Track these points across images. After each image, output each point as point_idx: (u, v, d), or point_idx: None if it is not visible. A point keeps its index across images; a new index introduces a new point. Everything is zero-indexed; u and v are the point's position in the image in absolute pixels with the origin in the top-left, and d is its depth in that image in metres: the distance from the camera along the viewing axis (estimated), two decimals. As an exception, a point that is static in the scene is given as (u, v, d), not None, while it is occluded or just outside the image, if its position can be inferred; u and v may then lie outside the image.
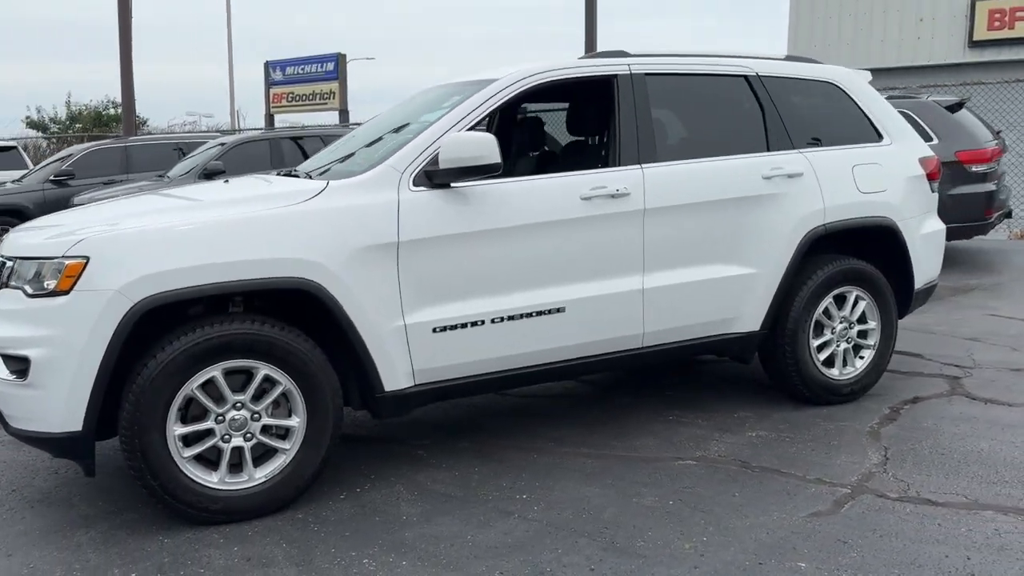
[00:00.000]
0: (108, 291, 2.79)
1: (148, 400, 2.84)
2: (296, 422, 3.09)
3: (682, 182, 3.74)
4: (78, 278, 2.81)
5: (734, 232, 3.85)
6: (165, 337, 2.90)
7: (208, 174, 9.73)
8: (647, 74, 3.84)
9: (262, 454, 3.08)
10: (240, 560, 2.76)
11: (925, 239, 4.43)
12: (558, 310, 3.50)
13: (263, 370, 3.00)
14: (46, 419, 2.84)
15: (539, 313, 3.46)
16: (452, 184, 3.32)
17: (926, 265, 4.47)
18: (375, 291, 3.15)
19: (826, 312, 4.14)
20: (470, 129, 3.43)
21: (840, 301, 4.18)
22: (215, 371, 2.94)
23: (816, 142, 4.16)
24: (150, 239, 2.91)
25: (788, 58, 4.40)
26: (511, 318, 3.41)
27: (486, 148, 3.21)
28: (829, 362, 4.20)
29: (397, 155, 3.32)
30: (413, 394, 3.31)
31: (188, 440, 2.96)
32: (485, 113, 3.51)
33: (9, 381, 2.87)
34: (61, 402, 2.81)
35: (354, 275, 3.10)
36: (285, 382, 3.04)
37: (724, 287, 3.86)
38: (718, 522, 2.96)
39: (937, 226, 4.57)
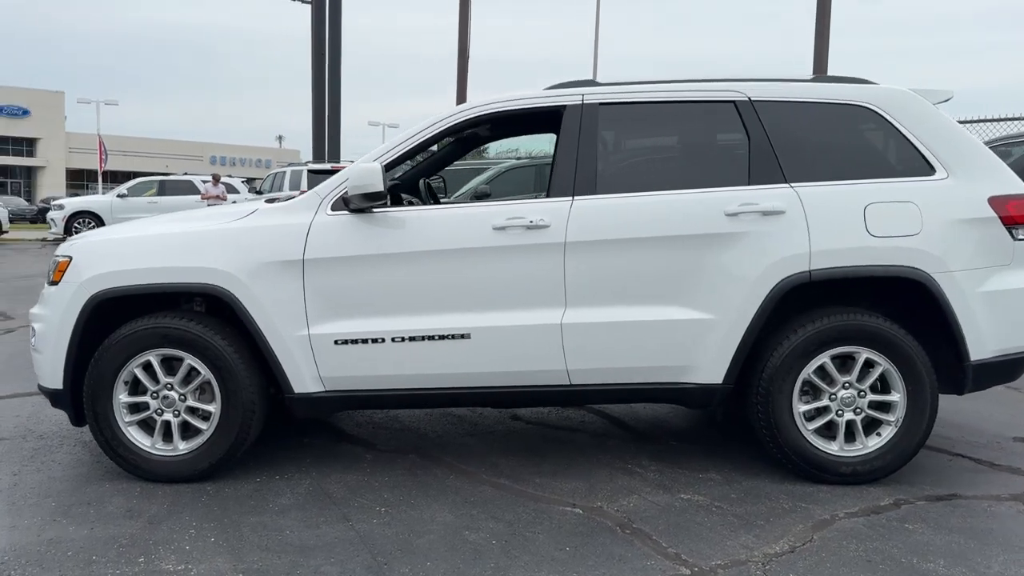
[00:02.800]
0: (75, 284, 3.60)
1: (101, 372, 3.60)
2: (214, 408, 3.63)
3: (616, 216, 3.53)
4: (64, 273, 3.67)
5: (684, 273, 3.52)
6: (119, 326, 3.64)
7: (477, 196, 10.72)
8: (601, 104, 3.69)
9: (191, 431, 3.68)
10: (127, 498, 3.35)
11: (993, 298, 3.53)
12: (463, 336, 3.56)
13: (188, 360, 3.60)
14: (43, 376, 3.75)
15: (442, 337, 3.56)
16: (374, 210, 3.60)
17: (998, 330, 3.55)
18: (282, 301, 3.55)
19: (822, 373, 3.55)
20: (395, 160, 3.68)
21: (847, 362, 3.55)
22: (151, 356, 3.60)
23: (828, 174, 3.59)
24: (107, 247, 3.68)
25: (816, 79, 3.81)
26: (412, 339, 3.57)
27: (372, 177, 3.44)
28: (827, 433, 3.59)
29: (326, 183, 3.69)
30: (322, 399, 3.65)
31: (132, 409, 3.67)
32: (414, 144, 3.70)
33: (32, 346, 3.85)
34: (50, 364, 3.68)
35: (262, 286, 3.54)
36: (205, 372, 3.60)
37: (669, 331, 3.54)
38: (505, 571, 2.83)
39: (1022, 282, 3.59)
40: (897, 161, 3.62)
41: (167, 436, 3.67)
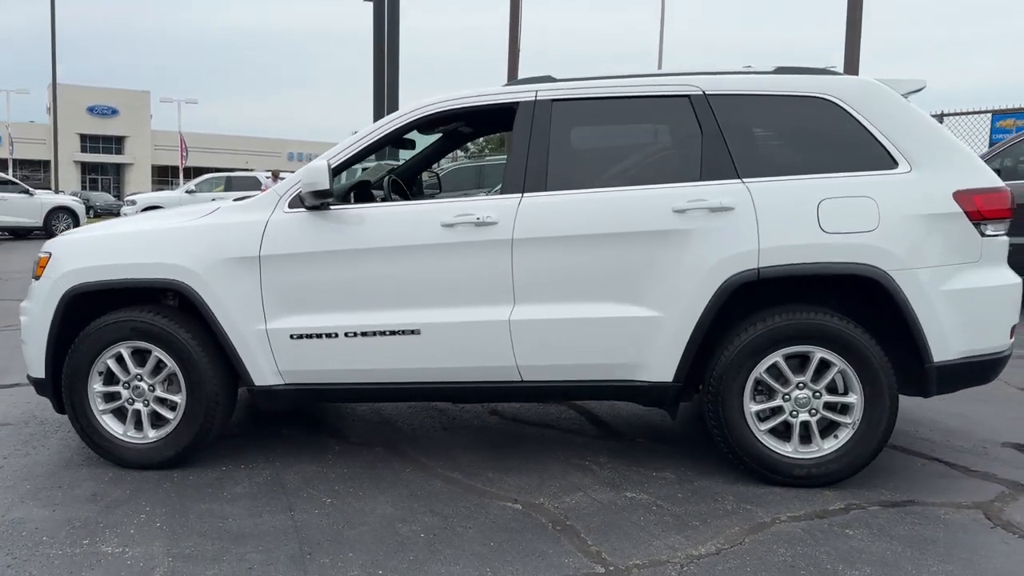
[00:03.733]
0: (53, 279, 3.80)
1: (76, 363, 3.78)
2: (180, 399, 3.78)
3: (563, 213, 3.52)
4: (44, 268, 3.88)
5: (631, 270, 3.48)
6: (92, 319, 3.83)
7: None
8: (554, 100, 3.67)
9: (160, 420, 3.84)
10: (97, 483, 3.53)
11: (958, 297, 3.38)
12: (413, 331, 3.61)
13: (155, 352, 3.76)
14: (29, 366, 3.96)
15: (392, 333, 3.62)
16: (331, 207, 3.68)
17: (963, 331, 3.41)
18: (240, 297, 3.67)
19: (775, 372, 3.47)
20: (351, 157, 3.75)
21: (802, 362, 3.46)
22: (123, 348, 3.78)
23: (784, 169, 3.49)
24: (82, 245, 3.86)
25: (779, 70, 3.70)
26: (364, 334, 3.64)
27: (319, 175, 3.52)
28: (781, 434, 3.51)
29: (284, 182, 3.79)
30: (281, 392, 3.76)
31: (106, 398, 3.85)
32: (370, 143, 3.76)
33: (22, 339, 4.08)
34: (33, 354, 3.90)
35: (221, 281, 3.66)
36: (171, 364, 3.75)
37: (617, 328, 3.52)
38: (422, 564, 2.88)
39: (991, 280, 3.43)
40: (858, 155, 3.50)
41: (138, 425, 3.84)
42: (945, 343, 3.39)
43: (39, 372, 3.89)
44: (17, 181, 21.61)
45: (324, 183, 3.51)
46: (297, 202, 3.70)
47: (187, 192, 22.48)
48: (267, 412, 4.65)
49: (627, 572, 2.80)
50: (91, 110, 62.88)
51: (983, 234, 3.41)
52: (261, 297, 3.68)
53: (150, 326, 3.73)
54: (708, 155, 3.53)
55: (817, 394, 3.46)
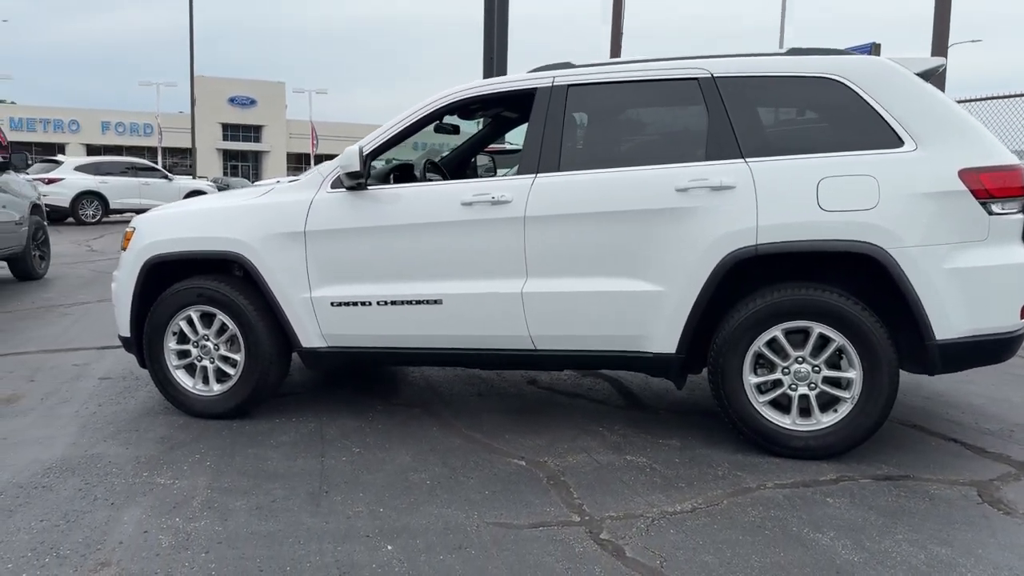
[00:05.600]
0: (136, 250, 4.37)
1: (155, 323, 4.33)
2: (239, 357, 4.27)
3: (573, 192, 3.75)
4: (129, 241, 4.46)
5: (636, 246, 3.67)
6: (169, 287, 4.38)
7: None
8: (570, 86, 3.89)
9: (224, 376, 4.35)
10: (169, 428, 4.08)
11: (964, 275, 3.39)
12: (436, 301, 3.94)
13: (219, 316, 4.26)
14: (119, 326, 4.56)
15: (418, 302, 3.97)
16: (369, 187, 4.07)
17: (968, 310, 3.41)
18: (289, 268, 4.11)
19: (775, 346, 3.58)
20: (385, 142, 4.11)
21: (801, 337, 3.56)
22: (192, 311, 4.30)
23: (789, 149, 3.58)
24: (160, 220, 4.41)
25: (790, 51, 3.77)
26: (394, 303, 4.00)
27: (352, 158, 3.89)
28: (781, 406, 3.63)
29: (328, 164, 4.19)
30: (325, 353, 4.18)
31: (179, 355, 4.38)
32: (400, 129, 4.10)
33: (112, 303, 4.68)
34: (121, 316, 4.50)
35: (272, 254, 4.11)
36: (232, 327, 4.24)
37: (623, 302, 3.72)
38: (419, 506, 3.21)
39: (999, 259, 3.41)
40: (862, 134, 3.54)
41: (205, 379, 4.37)
42: (948, 321, 3.40)
43: (126, 331, 4.48)
44: (158, 167, 23.53)
45: (355, 165, 3.89)
46: (338, 183, 4.10)
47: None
48: (328, 374, 5.12)
49: (600, 523, 3.04)
50: (232, 100, 66.94)
51: (991, 212, 3.39)
52: (306, 268, 4.11)
53: (214, 292, 4.24)
54: (713, 136, 3.66)
55: (817, 368, 3.55)
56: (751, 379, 3.62)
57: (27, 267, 9.64)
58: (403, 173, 4.58)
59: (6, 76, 52.44)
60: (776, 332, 3.56)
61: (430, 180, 4.66)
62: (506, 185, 3.87)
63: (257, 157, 70.43)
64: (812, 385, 3.57)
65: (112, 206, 20.44)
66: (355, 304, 4.06)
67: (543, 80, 3.96)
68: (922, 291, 3.39)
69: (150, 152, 57.06)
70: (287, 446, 3.92)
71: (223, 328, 4.29)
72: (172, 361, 4.37)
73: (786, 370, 3.58)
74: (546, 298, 3.81)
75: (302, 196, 4.16)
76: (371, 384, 5.03)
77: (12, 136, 54.83)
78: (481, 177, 5.43)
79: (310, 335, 4.17)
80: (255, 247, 4.14)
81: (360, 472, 3.56)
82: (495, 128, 5.38)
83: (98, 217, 20.25)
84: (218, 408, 4.32)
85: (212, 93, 60.80)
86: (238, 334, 4.24)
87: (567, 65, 4.02)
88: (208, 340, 4.31)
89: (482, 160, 5.65)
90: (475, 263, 3.90)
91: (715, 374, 3.64)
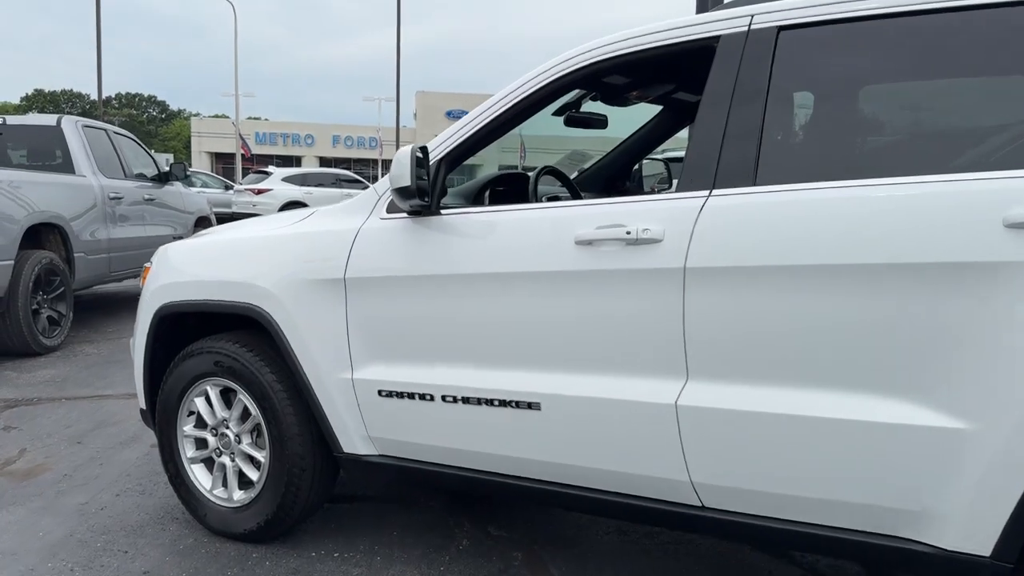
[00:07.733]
0: (149, 293, 3.13)
1: (166, 398, 3.06)
2: (263, 456, 2.90)
3: (785, 226, 1.99)
4: (146, 280, 3.26)
5: (921, 336, 1.86)
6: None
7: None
8: (781, 27, 2.13)
9: (246, 481, 3.01)
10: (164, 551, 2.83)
11: None
12: (530, 405, 2.33)
13: (240, 395, 2.90)
14: (139, 396, 3.37)
15: (503, 403, 2.38)
16: (443, 211, 2.56)
17: None
18: (324, 331, 2.67)
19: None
20: (466, 140, 2.57)
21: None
22: (208, 385, 2.96)
23: None
24: (177, 254, 3.12)
25: None
26: (466, 400, 2.45)
27: (401, 167, 2.38)
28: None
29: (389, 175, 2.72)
30: (376, 464, 2.71)
31: (196, 444, 3.06)
32: (490, 118, 2.53)
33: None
34: (138, 381, 3.28)
35: (302, 309, 2.69)
36: (254, 411, 2.87)
37: (892, 444, 1.92)
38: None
39: None
40: None
41: (225, 481, 3.06)
42: None
43: (142, 402, 3.30)
44: (362, 179, 23.68)
45: (406, 179, 2.38)
46: (394, 206, 2.63)
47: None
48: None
49: None
50: (448, 114, 68.88)
51: None
52: (347, 334, 2.66)
53: (233, 360, 2.91)
54: None
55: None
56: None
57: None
58: (511, 187, 3.03)
59: (249, 94, 56.94)
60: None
61: (551, 200, 3.07)
62: (652, 209, 2.19)
63: (471, 170, 71.98)
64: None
65: (317, 217, 20.76)
66: (410, 396, 2.56)
67: (731, 22, 2.23)
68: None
69: (374, 164, 59.86)
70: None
71: (246, 413, 2.96)
72: (187, 451, 3.10)
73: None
74: (724, 419, 2.08)
75: (345, 224, 2.72)
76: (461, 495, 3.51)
77: (257, 149, 59.78)
78: (646, 194, 3.75)
79: (351, 435, 2.72)
80: (280, 298, 2.75)
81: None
82: (669, 118, 3.66)
83: (304, 227, 20.60)
84: (236, 527, 2.97)
85: (430, 108, 62.72)
86: (262, 422, 2.88)
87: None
88: (228, 427, 3.00)
89: (651, 169, 3.97)
90: (593, 346, 2.24)
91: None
